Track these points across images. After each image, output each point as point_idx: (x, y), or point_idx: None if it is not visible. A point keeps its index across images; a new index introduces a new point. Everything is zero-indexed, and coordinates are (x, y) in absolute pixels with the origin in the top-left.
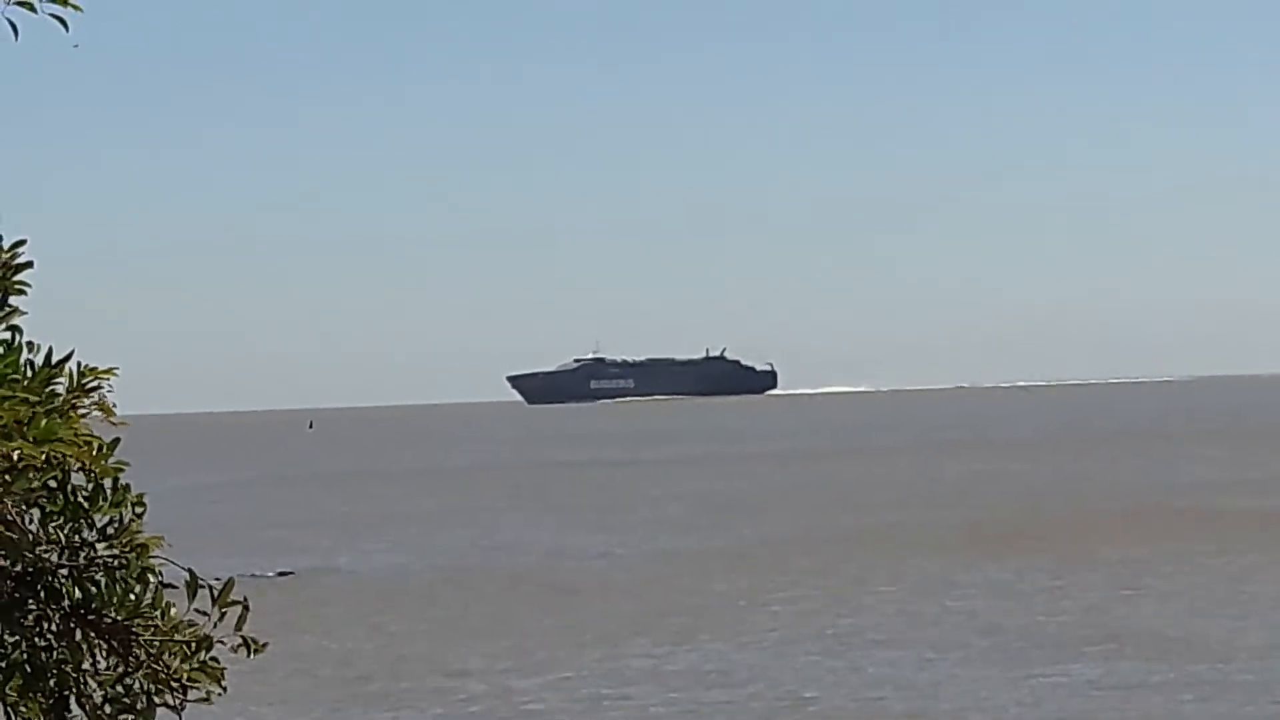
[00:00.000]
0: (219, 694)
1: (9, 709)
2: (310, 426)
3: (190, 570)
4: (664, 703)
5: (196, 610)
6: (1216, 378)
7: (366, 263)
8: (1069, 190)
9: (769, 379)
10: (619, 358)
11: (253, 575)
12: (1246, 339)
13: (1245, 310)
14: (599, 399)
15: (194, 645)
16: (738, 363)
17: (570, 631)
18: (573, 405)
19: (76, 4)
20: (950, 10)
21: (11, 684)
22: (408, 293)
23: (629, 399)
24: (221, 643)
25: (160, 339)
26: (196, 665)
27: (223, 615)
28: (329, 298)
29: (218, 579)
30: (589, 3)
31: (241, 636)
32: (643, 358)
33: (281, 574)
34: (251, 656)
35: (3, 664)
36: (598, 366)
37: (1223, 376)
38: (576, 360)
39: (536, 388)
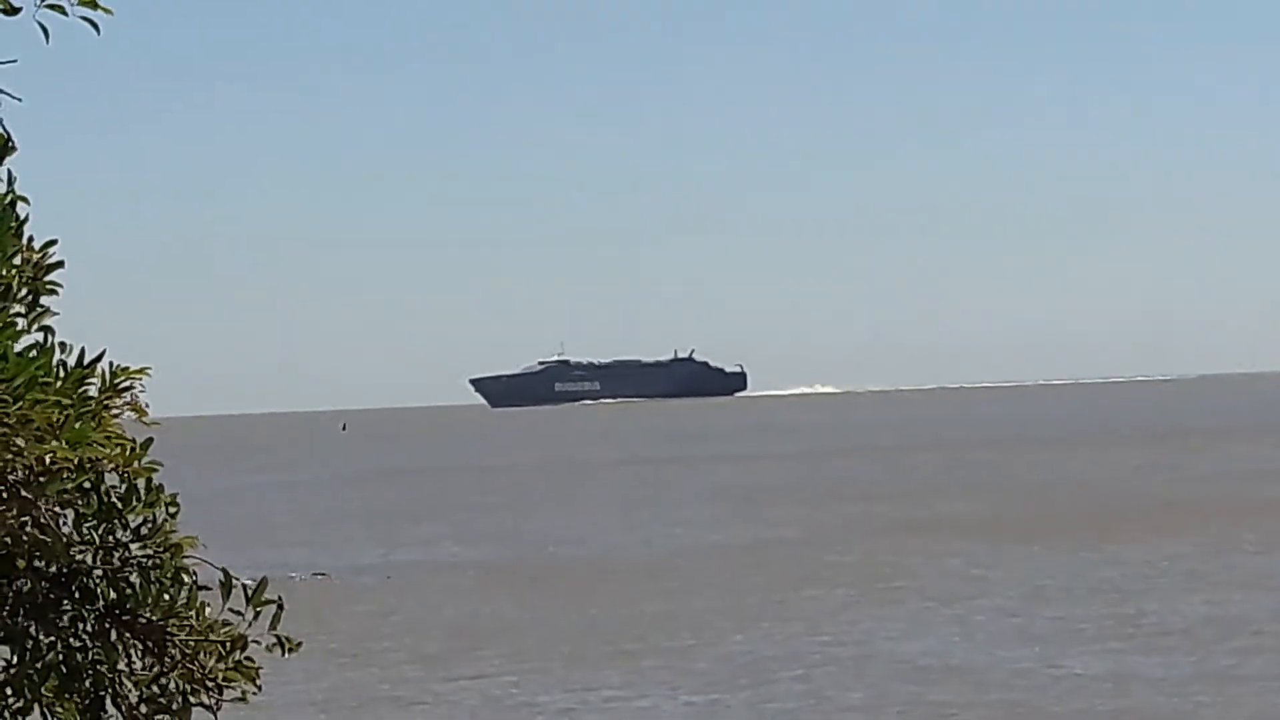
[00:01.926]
0: (254, 693)
1: (45, 709)
2: (344, 428)
3: (225, 570)
4: (683, 705)
5: (231, 610)
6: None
7: (330, 266)
8: (1047, 192)
9: (739, 380)
10: (584, 359)
11: (287, 575)
12: (1249, 337)
13: (1245, 308)
14: (564, 401)
15: (229, 645)
16: (706, 364)
17: (595, 630)
18: (537, 408)
19: (106, 7)
20: (927, 17)
21: (47, 685)
22: (368, 295)
23: (595, 401)
24: (256, 642)
25: (189, 341)
26: (232, 665)
27: (257, 615)
28: (306, 302)
29: (251, 579)
30: (568, 5)
31: (276, 636)
32: (609, 359)
33: (316, 575)
34: (286, 656)
35: (39, 665)
36: (562, 368)
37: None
38: (541, 362)
39: (500, 391)
